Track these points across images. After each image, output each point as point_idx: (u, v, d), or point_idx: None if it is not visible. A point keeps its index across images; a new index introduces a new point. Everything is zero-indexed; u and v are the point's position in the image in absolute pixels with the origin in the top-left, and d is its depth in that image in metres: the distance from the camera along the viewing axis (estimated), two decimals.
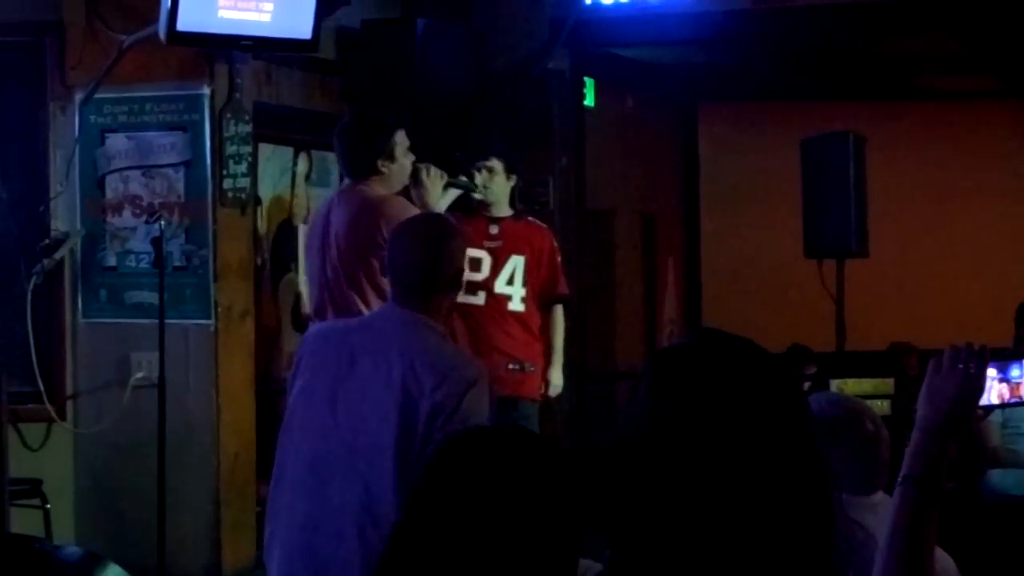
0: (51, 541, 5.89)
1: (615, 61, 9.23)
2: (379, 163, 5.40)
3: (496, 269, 6.53)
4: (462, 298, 6.17)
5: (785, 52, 9.55)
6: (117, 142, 6.51)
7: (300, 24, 6.27)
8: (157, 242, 6.26)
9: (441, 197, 5.76)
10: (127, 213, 6.50)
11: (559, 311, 6.81)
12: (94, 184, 6.54)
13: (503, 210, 6.66)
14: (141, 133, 6.47)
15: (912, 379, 7.54)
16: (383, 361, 3.73)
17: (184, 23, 5.85)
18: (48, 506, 6.26)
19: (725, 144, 11.37)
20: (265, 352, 6.81)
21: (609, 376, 9.64)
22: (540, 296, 6.67)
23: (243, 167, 6.49)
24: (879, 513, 3.10)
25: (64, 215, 6.57)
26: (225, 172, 6.40)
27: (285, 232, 7.13)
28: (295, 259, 7.15)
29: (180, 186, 6.43)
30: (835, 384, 6.99)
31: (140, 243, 6.46)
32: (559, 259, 6.76)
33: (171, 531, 6.21)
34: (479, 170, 6.46)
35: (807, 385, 7.58)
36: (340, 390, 3.77)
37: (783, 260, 9.87)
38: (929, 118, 11.40)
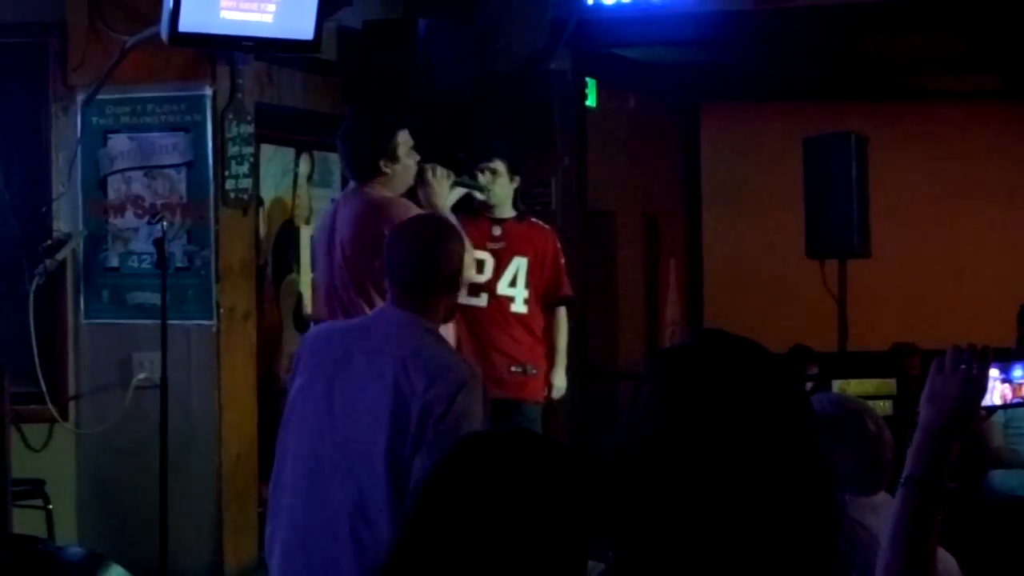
0: (53, 542, 5.90)
1: (617, 61, 9.23)
2: (382, 164, 5.38)
3: (499, 271, 6.53)
4: (464, 300, 6.18)
5: (787, 52, 9.55)
6: (119, 143, 6.51)
7: (302, 25, 6.27)
8: (159, 243, 6.26)
9: (448, 197, 5.75)
10: (129, 214, 6.50)
11: (562, 313, 6.80)
12: (96, 185, 6.54)
13: (506, 211, 6.65)
14: (143, 134, 6.47)
15: (914, 379, 7.54)
16: (377, 362, 3.73)
17: (186, 24, 5.85)
18: (50, 507, 6.26)
19: (727, 144, 11.37)
20: (267, 353, 6.82)
21: (611, 376, 9.64)
22: (543, 298, 6.66)
23: (245, 168, 6.49)
24: (881, 514, 3.10)
25: (66, 216, 6.57)
26: (227, 173, 6.40)
27: (287, 233, 7.13)
28: (297, 260, 7.15)
29: (182, 187, 6.43)
30: (837, 384, 6.99)
31: (142, 244, 6.46)
32: (562, 260, 6.75)
33: (173, 531, 6.21)
34: (482, 171, 6.46)
35: (809, 385, 7.58)
36: (336, 390, 3.78)
37: (785, 260, 9.86)
38: (931, 118, 11.40)
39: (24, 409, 6.33)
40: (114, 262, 6.54)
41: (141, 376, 6.40)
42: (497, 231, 6.59)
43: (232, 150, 6.42)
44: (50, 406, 6.42)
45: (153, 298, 6.33)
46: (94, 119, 6.52)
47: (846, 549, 2.07)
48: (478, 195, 6.44)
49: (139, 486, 6.37)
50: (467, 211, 6.33)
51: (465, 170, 6.16)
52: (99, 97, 6.47)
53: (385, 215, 5.14)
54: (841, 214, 8.19)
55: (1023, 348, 7.24)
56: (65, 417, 6.54)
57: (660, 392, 1.68)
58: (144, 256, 6.46)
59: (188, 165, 6.41)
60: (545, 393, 6.68)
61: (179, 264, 6.40)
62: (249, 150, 6.52)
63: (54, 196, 6.56)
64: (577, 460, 1.90)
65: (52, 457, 6.52)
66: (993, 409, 2.51)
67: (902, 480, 2.23)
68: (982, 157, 11.30)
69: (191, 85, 6.42)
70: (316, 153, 7.30)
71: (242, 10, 6.07)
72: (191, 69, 6.40)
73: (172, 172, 6.44)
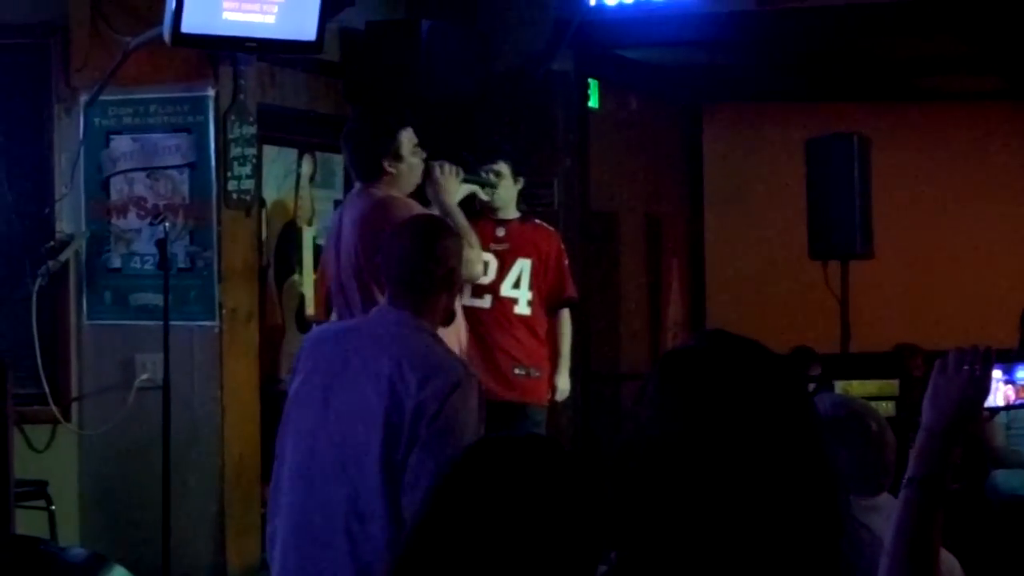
0: (56, 542, 5.89)
1: (619, 62, 9.23)
2: (386, 164, 5.36)
3: (502, 272, 6.53)
4: (468, 302, 6.19)
5: (789, 53, 9.55)
6: (122, 144, 6.51)
7: (304, 25, 6.27)
8: (162, 244, 6.27)
9: (458, 194, 5.74)
10: (132, 215, 6.50)
11: (566, 315, 6.80)
12: (99, 186, 6.54)
13: (510, 213, 6.65)
14: (146, 135, 6.47)
15: (917, 380, 7.54)
16: (373, 362, 3.74)
17: (188, 25, 5.85)
18: (53, 507, 6.26)
19: (729, 145, 11.36)
20: (269, 354, 6.82)
21: (613, 377, 9.64)
22: (547, 300, 6.66)
23: (247, 169, 6.49)
24: (884, 515, 3.10)
25: (69, 217, 6.57)
26: (229, 174, 6.40)
27: (289, 234, 7.13)
28: (299, 261, 7.15)
29: (184, 188, 6.43)
30: (840, 385, 6.99)
31: (145, 245, 6.46)
32: (566, 262, 6.75)
33: (176, 532, 6.21)
34: (487, 173, 6.46)
35: (811, 386, 7.57)
36: (332, 390, 3.79)
37: (788, 261, 9.86)
38: (934, 119, 11.40)
39: (27, 410, 6.33)
40: (117, 263, 6.54)
41: (144, 377, 6.40)
42: (501, 232, 6.58)
43: (235, 151, 6.42)
44: (53, 407, 6.42)
45: (155, 299, 6.33)
46: (97, 120, 6.52)
47: (848, 550, 2.07)
48: (483, 196, 6.44)
49: (142, 487, 6.37)
50: (470, 212, 6.32)
51: (471, 169, 6.15)
52: (102, 98, 6.47)
53: (389, 214, 5.11)
54: (844, 215, 8.18)
55: None
56: (68, 418, 6.54)
57: (665, 393, 1.68)
58: (147, 257, 6.46)
59: (191, 166, 6.41)
60: (549, 395, 6.67)
61: (181, 265, 6.40)
62: (252, 151, 6.52)
63: (57, 197, 6.56)
64: (589, 467, 1.90)
65: (55, 458, 6.52)
66: (996, 410, 2.52)
67: (905, 481, 2.23)
68: (985, 158, 11.30)
69: (193, 86, 6.42)
70: (319, 154, 7.30)
71: (244, 11, 6.07)
72: (193, 70, 6.40)
73: (175, 173, 6.44)
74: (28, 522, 6.05)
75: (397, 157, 5.38)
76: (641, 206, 10.40)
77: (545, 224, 6.85)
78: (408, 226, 4.11)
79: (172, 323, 6.22)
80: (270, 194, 7.00)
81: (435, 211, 5.63)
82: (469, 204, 6.26)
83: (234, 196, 6.43)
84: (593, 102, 8.91)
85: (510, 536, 1.82)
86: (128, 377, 6.45)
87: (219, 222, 6.38)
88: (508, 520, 1.82)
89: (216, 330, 6.37)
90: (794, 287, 10.04)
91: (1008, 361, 4.84)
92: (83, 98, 6.52)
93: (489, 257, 6.40)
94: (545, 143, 8.12)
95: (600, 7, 8.09)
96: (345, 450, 3.72)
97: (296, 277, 7.14)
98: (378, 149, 5.37)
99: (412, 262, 3.83)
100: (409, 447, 3.63)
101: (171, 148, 6.44)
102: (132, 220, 6.50)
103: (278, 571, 3.88)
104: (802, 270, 8.92)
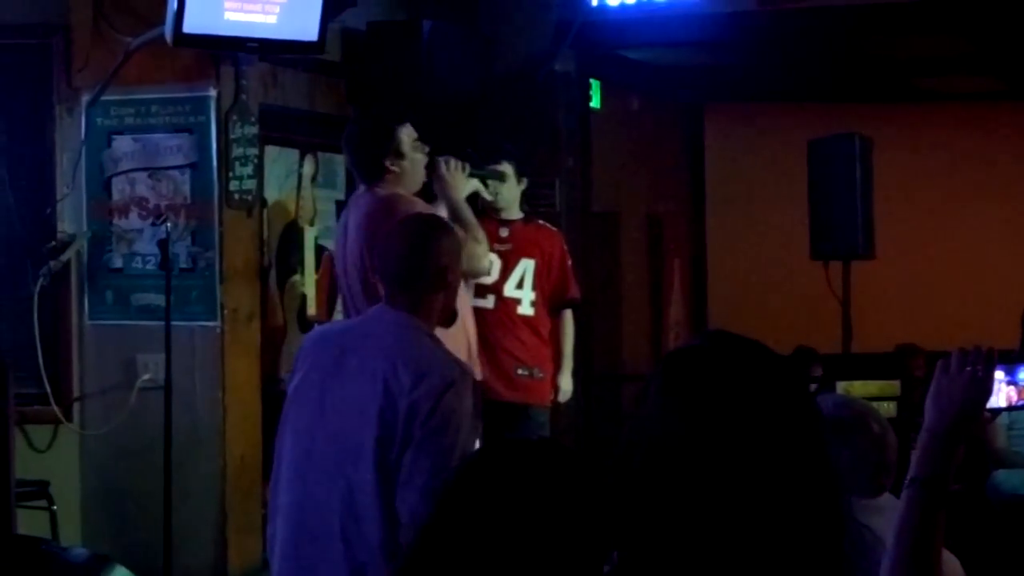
0: (58, 542, 5.90)
1: (621, 63, 9.23)
2: (387, 163, 5.36)
3: (506, 272, 6.53)
4: (471, 302, 6.18)
5: (791, 54, 9.54)
6: (123, 144, 6.51)
7: (306, 26, 6.27)
8: (163, 244, 6.27)
9: (466, 189, 5.73)
10: (133, 215, 6.50)
11: (569, 316, 6.80)
12: (100, 186, 6.54)
13: (513, 213, 6.65)
14: (147, 135, 6.47)
15: (918, 381, 7.54)
16: (369, 361, 3.74)
17: (190, 25, 5.85)
18: (55, 507, 6.26)
19: (731, 145, 11.37)
20: (271, 354, 6.82)
21: (615, 378, 9.65)
22: (550, 300, 6.66)
23: (249, 169, 6.49)
24: (886, 515, 3.10)
25: (70, 217, 6.58)
26: (231, 174, 6.41)
27: (291, 234, 7.13)
28: (301, 261, 7.15)
29: (186, 188, 6.43)
30: (841, 386, 6.99)
31: (146, 245, 6.46)
32: (569, 263, 6.75)
33: (177, 532, 6.21)
34: (491, 180, 6.47)
35: (813, 387, 7.57)
36: (328, 391, 3.79)
37: (789, 262, 9.86)
38: (936, 120, 11.40)
39: (28, 410, 6.33)
40: (118, 263, 6.54)
41: (145, 377, 6.40)
42: (504, 233, 6.59)
43: (236, 151, 6.42)
44: (54, 407, 6.42)
45: (157, 299, 6.33)
46: (98, 120, 6.53)
47: (850, 551, 2.07)
48: (486, 195, 6.44)
49: (143, 487, 6.37)
50: (474, 212, 6.32)
51: (475, 164, 6.14)
52: (103, 98, 6.47)
53: (394, 212, 5.08)
54: (845, 215, 8.18)
55: None
56: (69, 418, 6.54)
57: (668, 393, 1.68)
58: (148, 257, 6.46)
59: (192, 166, 6.41)
60: (552, 396, 6.67)
61: (183, 265, 6.40)
62: (253, 151, 6.52)
63: (58, 197, 6.56)
64: (596, 470, 1.89)
65: (56, 458, 6.52)
66: (998, 411, 2.52)
67: (907, 482, 2.23)
68: (987, 159, 11.30)
69: (195, 86, 6.42)
70: (320, 154, 7.29)
71: (246, 11, 6.07)
72: (195, 70, 6.40)
73: (176, 173, 6.44)
74: (30, 522, 6.06)
75: (398, 155, 5.37)
76: (643, 206, 10.41)
77: (548, 224, 6.86)
78: (403, 226, 4.11)
79: (174, 323, 6.22)
80: (272, 194, 6.99)
81: (442, 207, 5.63)
82: (472, 205, 6.26)
83: (236, 196, 6.43)
84: (595, 102, 8.91)
85: (519, 538, 1.81)
86: (130, 377, 6.45)
87: (221, 222, 6.38)
88: (517, 522, 1.82)
89: (218, 330, 6.38)
90: (795, 288, 10.04)
91: (1010, 362, 4.84)
92: (85, 98, 6.52)
93: (492, 257, 6.39)
94: (547, 143, 8.12)
95: (602, 8, 8.09)
96: (340, 450, 3.72)
97: (297, 277, 7.14)
98: (378, 149, 5.37)
99: (406, 261, 3.82)
100: (403, 446, 3.62)
101: (173, 148, 6.44)
102: (134, 220, 6.50)
103: (278, 571, 3.88)
104: (803, 271, 8.92)
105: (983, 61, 10.01)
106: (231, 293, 6.41)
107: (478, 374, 5.89)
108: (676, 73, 10.06)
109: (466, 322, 5.67)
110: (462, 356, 5.49)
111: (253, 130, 6.51)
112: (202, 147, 6.39)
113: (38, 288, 6.36)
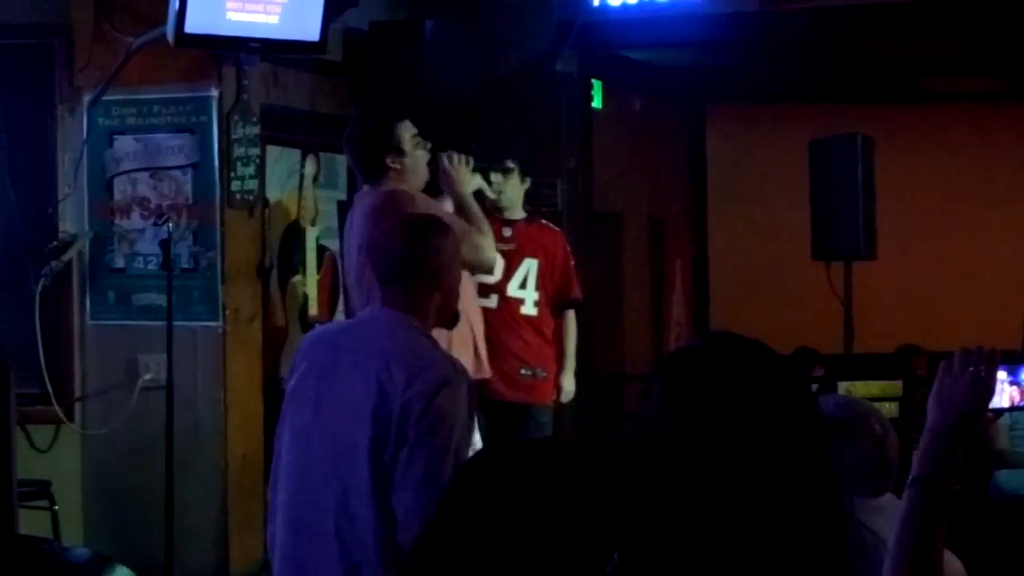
0: (59, 542, 5.90)
1: (623, 63, 9.23)
2: (388, 160, 5.35)
3: (509, 272, 6.52)
4: (475, 302, 6.18)
5: (792, 54, 9.55)
6: (125, 144, 6.51)
7: (308, 26, 6.28)
8: (165, 244, 6.26)
9: (471, 183, 5.71)
10: (135, 215, 6.50)
11: (571, 316, 6.80)
12: (102, 186, 6.54)
13: (517, 212, 6.65)
14: (149, 135, 6.48)
15: (920, 381, 7.55)
16: (364, 361, 3.73)
17: (192, 25, 5.86)
18: (56, 507, 6.27)
19: (733, 146, 11.37)
20: (273, 354, 6.82)
21: (617, 378, 9.65)
22: (552, 300, 6.65)
23: (251, 169, 6.49)
24: (888, 516, 3.10)
25: (72, 217, 6.58)
26: (233, 174, 6.41)
27: (292, 234, 7.13)
28: (302, 261, 7.15)
29: (188, 188, 6.43)
30: (843, 386, 6.99)
31: (148, 245, 6.46)
32: (572, 263, 6.75)
33: (179, 532, 6.22)
34: (495, 171, 6.46)
35: (815, 387, 7.57)
36: (324, 391, 3.79)
37: (791, 262, 9.86)
38: (937, 120, 11.40)
39: (30, 410, 6.33)
40: (120, 263, 6.54)
41: (147, 377, 6.41)
42: (507, 232, 6.58)
43: (238, 151, 6.42)
44: (56, 407, 6.42)
45: (159, 299, 6.33)
46: (100, 120, 6.53)
47: (852, 551, 2.07)
48: (489, 193, 6.44)
49: (145, 487, 6.37)
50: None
51: (480, 159, 6.12)
52: (105, 98, 6.47)
53: (397, 207, 5.07)
54: (847, 216, 8.17)
55: None
56: (71, 418, 6.54)
57: (670, 393, 1.68)
58: (150, 257, 6.46)
59: (194, 166, 6.42)
60: (554, 396, 6.67)
61: (185, 265, 6.40)
62: (255, 151, 6.52)
63: (60, 197, 6.56)
64: (600, 470, 1.89)
65: (58, 458, 6.53)
66: (1001, 412, 2.51)
67: (909, 482, 2.23)
68: (988, 159, 11.30)
69: (197, 86, 6.42)
70: (322, 154, 7.30)
71: (248, 11, 6.08)
72: (197, 70, 6.41)
73: (178, 173, 6.44)
74: (31, 522, 6.06)
75: (399, 152, 5.36)
76: (645, 206, 10.41)
77: (551, 224, 6.86)
78: (397, 225, 4.10)
79: (175, 323, 6.22)
80: (273, 194, 7.00)
81: (448, 202, 5.62)
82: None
83: (237, 196, 6.43)
84: (597, 102, 8.91)
85: (523, 538, 1.81)
86: (131, 377, 6.45)
87: (222, 222, 6.39)
88: (521, 522, 1.82)
89: (219, 330, 6.38)
90: (797, 288, 10.04)
91: (1012, 363, 4.85)
92: (86, 98, 6.52)
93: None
94: (549, 144, 8.12)
95: (603, 8, 8.09)
96: (335, 449, 3.72)
97: (299, 277, 7.14)
98: (378, 147, 5.35)
99: (400, 260, 3.81)
100: (397, 446, 3.61)
101: (174, 148, 6.44)
102: (135, 220, 6.50)
103: (278, 570, 3.88)
104: (805, 271, 8.92)
105: (984, 61, 10.01)
106: (233, 293, 6.42)
107: (487, 374, 5.89)
108: (678, 73, 10.06)
109: (472, 323, 5.67)
110: (468, 356, 5.49)
111: (255, 130, 6.51)
112: (204, 147, 6.39)
113: (40, 288, 6.36)
